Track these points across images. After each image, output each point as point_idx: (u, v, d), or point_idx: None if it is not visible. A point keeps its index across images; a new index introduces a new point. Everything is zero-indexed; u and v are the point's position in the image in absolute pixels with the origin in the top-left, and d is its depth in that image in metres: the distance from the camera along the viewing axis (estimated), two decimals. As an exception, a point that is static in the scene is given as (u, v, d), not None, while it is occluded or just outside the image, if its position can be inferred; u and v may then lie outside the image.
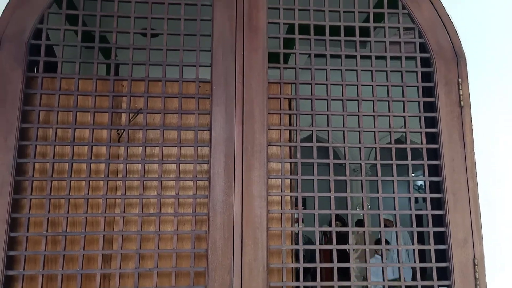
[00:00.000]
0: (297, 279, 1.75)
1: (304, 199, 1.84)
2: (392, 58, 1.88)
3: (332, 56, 1.86)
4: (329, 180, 1.75)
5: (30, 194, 1.62)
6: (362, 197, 1.77)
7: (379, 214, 1.77)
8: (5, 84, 1.66)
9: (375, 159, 1.79)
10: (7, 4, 1.72)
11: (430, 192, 1.77)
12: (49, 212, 1.62)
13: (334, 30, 1.87)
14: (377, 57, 1.87)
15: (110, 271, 1.66)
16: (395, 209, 1.75)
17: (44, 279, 1.59)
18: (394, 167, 1.79)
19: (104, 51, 1.96)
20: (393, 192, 1.77)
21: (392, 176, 1.78)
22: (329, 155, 1.78)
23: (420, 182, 7.16)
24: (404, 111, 1.83)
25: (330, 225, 1.78)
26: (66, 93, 1.74)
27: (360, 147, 1.80)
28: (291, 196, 1.95)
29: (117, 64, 1.83)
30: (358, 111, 1.82)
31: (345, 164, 1.81)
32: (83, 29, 1.78)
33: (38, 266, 1.58)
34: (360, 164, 1.79)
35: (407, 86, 1.85)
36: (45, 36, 1.74)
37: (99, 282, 1.58)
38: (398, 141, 1.84)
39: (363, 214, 1.76)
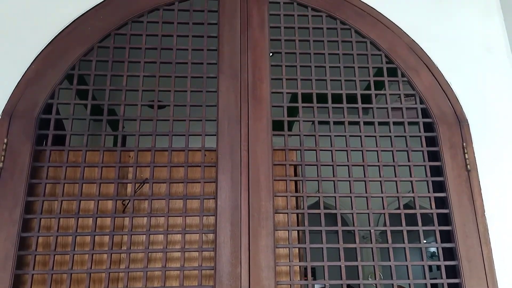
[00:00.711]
0: None
1: (313, 269, 1.77)
2: (395, 123, 1.90)
3: (335, 122, 1.88)
4: (339, 248, 1.70)
5: (33, 269, 1.58)
6: (374, 266, 1.71)
7: (392, 284, 1.70)
8: (14, 158, 1.68)
9: (384, 225, 1.75)
10: (19, 81, 1.79)
11: (444, 259, 1.71)
12: (50, 287, 1.57)
13: (336, 98, 1.91)
14: (380, 123, 1.90)
15: None
16: (408, 278, 1.68)
17: None
18: (405, 233, 1.74)
19: (112, 123, 2.02)
20: (406, 260, 1.71)
21: (404, 243, 1.72)
22: (337, 222, 1.74)
23: (433, 249, 6.94)
24: (410, 176, 1.82)
25: (341, 297, 1.70)
26: (73, 165, 1.76)
27: (368, 213, 1.77)
28: (300, 266, 1.89)
29: (124, 135, 1.86)
30: (364, 176, 1.81)
31: (354, 231, 1.77)
32: (92, 103, 1.84)
33: None
34: (370, 231, 1.75)
35: (412, 151, 1.86)
36: (55, 110, 1.79)
37: None
38: (407, 206, 1.81)
39: (375, 284, 1.69)
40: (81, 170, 1.71)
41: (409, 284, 1.68)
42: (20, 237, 1.60)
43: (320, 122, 1.88)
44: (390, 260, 1.70)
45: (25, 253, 1.61)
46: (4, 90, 1.77)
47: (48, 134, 1.75)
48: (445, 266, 1.70)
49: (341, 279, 1.67)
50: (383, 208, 1.78)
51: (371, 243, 1.72)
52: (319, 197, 1.80)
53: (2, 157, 1.67)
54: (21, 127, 1.73)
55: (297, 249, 1.85)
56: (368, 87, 1.97)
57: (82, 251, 1.66)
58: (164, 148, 1.77)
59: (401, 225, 1.75)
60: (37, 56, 1.83)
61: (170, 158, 1.77)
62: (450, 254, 1.72)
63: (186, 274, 1.79)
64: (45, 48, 1.85)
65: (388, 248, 1.72)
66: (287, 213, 1.74)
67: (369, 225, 1.75)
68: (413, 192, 1.80)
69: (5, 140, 1.69)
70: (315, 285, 1.71)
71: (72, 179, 1.78)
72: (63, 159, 1.73)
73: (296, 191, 2.00)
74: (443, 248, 1.73)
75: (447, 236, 1.74)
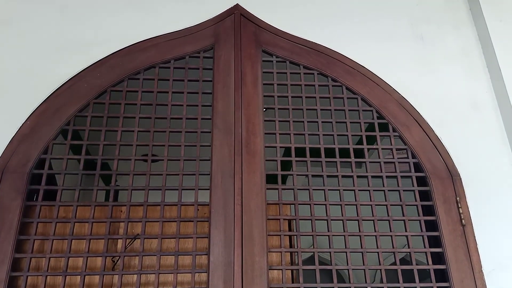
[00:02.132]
0: None
1: (310, 328, 1.70)
2: (388, 177, 1.90)
3: (329, 176, 1.89)
4: (335, 306, 1.65)
5: (15, 330, 1.51)
6: (372, 325, 1.64)
7: None
8: (3, 214, 1.65)
9: (381, 281, 1.71)
10: (13, 137, 1.79)
11: (444, 318, 1.66)
12: None
13: (329, 152, 1.93)
14: (374, 177, 1.90)
15: None
16: None
17: None
18: (403, 290, 1.70)
19: (105, 178, 2.02)
20: (405, 318, 1.65)
21: (402, 300, 1.67)
22: (333, 278, 1.70)
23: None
24: (406, 230, 1.80)
25: None
26: (63, 221, 1.72)
27: (364, 269, 1.73)
28: (295, 326, 1.81)
29: (116, 190, 1.84)
30: (359, 231, 1.79)
31: (350, 287, 1.72)
32: (86, 158, 1.83)
33: None
34: (366, 287, 1.70)
35: (406, 205, 1.85)
36: (47, 165, 1.78)
37: None
38: (403, 260, 1.77)
39: None
40: (71, 226, 1.68)
41: None
42: (5, 296, 1.54)
43: (314, 176, 1.89)
44: (389, 319, 1.64)
45: (9, 314, 1.54)
46: (-2, 146, 1.77)
47: (39, 189, 1.73)
48: (445, 325, 1.64)
49: None
50: (379, 263, 1.74)
51: (369, 301, 1.67)
52: (313, 252, 1.76)
53: (-9, 213, 1.64)
54: (12, 182, 1.71)
55: (292, 308, 1.79)
56: (360, 142, 1.99)
57: (68, 312, 1.59)
58: (156, 203, 1.76)
59: (398, 280, 1.70)
60: (32, 112, 1.85)
61: (163, 213, 1.75)
62: (450, 311, 1.67)
63: (177, 335, 1.71)
64: (41, 104, 1.87)
65: (386, 306, 1.66)
66: (282, 269, 1.69)
67: (366, 281, 1.71)
68: (408, 247, 1.78)
69: (-4, 196, 1.67)
70: None
71: (61, 235, 1.74)
72: (53, 215, 1.70)
73: (291, 246, 1.97)
74: (442, 306, 1.68)
75: (446, 293, 1.70)
